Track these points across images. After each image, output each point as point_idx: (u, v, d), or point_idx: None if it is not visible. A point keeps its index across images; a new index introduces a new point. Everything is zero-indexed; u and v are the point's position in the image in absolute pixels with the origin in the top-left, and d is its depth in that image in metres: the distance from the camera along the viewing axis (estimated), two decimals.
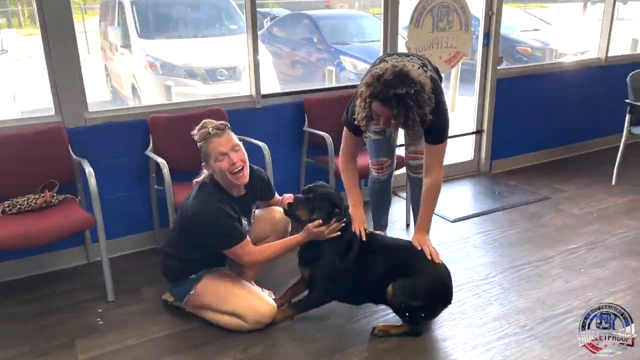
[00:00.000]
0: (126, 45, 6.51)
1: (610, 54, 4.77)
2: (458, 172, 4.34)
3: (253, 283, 2.57)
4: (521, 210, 3.67)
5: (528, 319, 2.47)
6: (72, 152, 2.82)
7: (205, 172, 2.37)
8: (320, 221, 2.32)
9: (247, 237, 2.34)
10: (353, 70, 6.80)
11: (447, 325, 2.43)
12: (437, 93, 2.33)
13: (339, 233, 2.35)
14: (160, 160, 2.77)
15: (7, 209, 2.62)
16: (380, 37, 3.79)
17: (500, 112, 4.30)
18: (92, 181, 2.56)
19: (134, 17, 6.39)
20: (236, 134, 3.13)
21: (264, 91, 3.34)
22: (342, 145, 2.66)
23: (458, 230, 3.39)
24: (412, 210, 2.95)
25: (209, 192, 2.31)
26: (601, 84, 4.75)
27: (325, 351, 2.28)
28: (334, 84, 6.05)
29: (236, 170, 2.26)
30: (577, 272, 2.86)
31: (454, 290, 2.40)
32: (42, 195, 2.69)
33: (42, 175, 2.74)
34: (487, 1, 4.04)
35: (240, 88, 5.59)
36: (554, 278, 2.81)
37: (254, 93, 3.32)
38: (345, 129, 2.61)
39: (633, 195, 3.87)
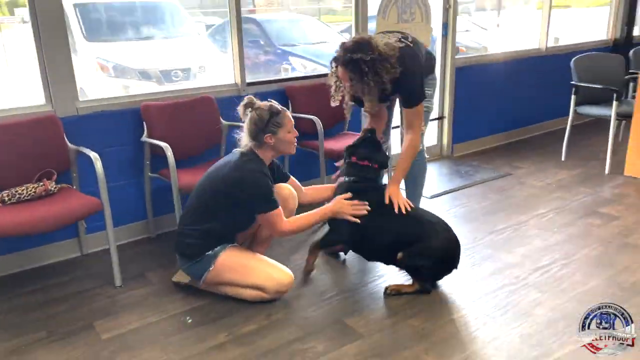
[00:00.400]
0: (72, 49, 6.35)
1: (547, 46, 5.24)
2: None
3: None
4: (488, 185, 3.96)
5: (520, 271, 2.72)
6: (67, 141, 2.79)
7: (244, 143, 2.46)
8: (350, 195, 2.51)
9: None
10: (303, 70, 6.98)
11: (449, 283, 2.62)
12: (408, 64, 2.54)
13: (357, 220, 2.48)
14: (162, 144, 2.81)
15: (6, 199, 2.57)
16: (351, 27, 3.98)
17: (460, 99, 4.61)
18: (99, 165, 2.57)
19: (78, 21, 6.26)
20: (225, 119, 3.24)
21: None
22: None
23: (437, 204, 3.63)
24: (406, 187, 3.10)
25: (254, 159, 2.44)
26: (543, 71, 5.19)
27: (345, 311, 2.41)
28: None
29: (296, 141, 2.54)
30: (552, 231, 3.16)
31: None
32: (42, 184, 2.66)
33: (38, 165, 2.71)
34: None
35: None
36: (533, 237, 3.08)
37: (239, 81, 3.42)
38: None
39: (581, 168, 4.27)
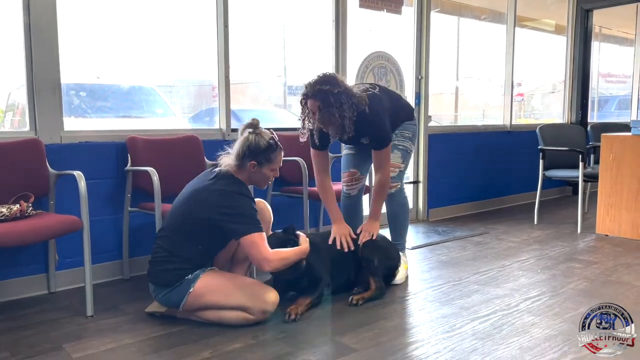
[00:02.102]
0: None
1: (504, 123, 5.57)
2: None
3: None
4: (467, 240, 3.99)
5: (510, 300, 2.67)
6: (49, 166, 2.73)
7: (226, 163, 2.40)
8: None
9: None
10: None
11: (443, 308, 2.55)
12: (372, 108, 2.73)
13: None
14: (148, 168, 2.76)
15: None
16: None
17: (433, 165, 4.76)
18: (82, 184, 2.49)
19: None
20: (209, 159, 3.25)
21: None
22: (313, 167, 2.95)
23: (419, 254, 3.60)
24: (389, 225, 3.12)
25: (236, 182, 2.37)
26: (508, 146, 5.46)
27: (337, 331, 2.30)
28: None
29: (267, 184, 2.56)
30: (535, 272, 3.16)
31: (439, 287, 2.81)
32: (18, 205, 2.54)
33: (16, 187, 2.61)
34: (417, 66, 4.64)
35: None
36: (518, 276, 3.07)
37: (224, 127, 3.48)
38: (311, 150, 2.93)
39: (553, 229, 4.36)
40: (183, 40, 3.88)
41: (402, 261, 3.02)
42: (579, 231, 4.22)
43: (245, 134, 2.41)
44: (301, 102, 2.70)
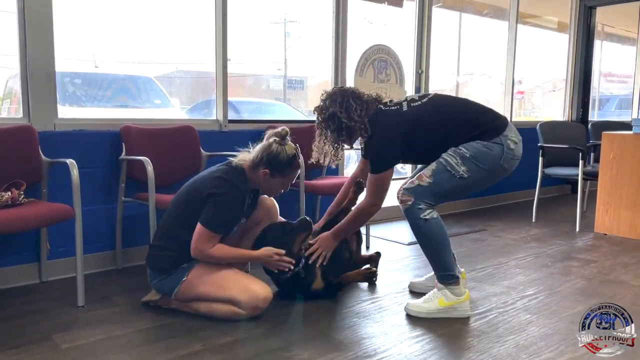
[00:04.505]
0: None
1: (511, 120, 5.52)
2: (396, 215, 4.58)
3: None
4: (464, 237, 3.96)
5: (507, 298, 2.64)
6: (42, 153, 2.69)
7: (242, 158, 2.37)
8: (284, 252, 2.40)
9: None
10: None
11: None
12: (378, 127, 2.40)
13: (286, 270, 2.43)
14: (143, 158, 2.72)
15: None
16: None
17: None
18: (75, 172, 2.45)
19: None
20: (205, 150, 3.22)
21: None
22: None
23: (415, 249, 3.57)
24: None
25: (242, 179, 2.33)
26: None
27: (331, 327, 2.27)
28: None
29: (276, 194, 2.54)
30: (533, 270, 3.13)
31: None
32: (9, 192, 2.50)
33: (8, 175, 2.57)
34: (417, 60, 4.60)
35: None
36: (515, 274, 3.04)
37: (220, 118, 3.43)
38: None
39: (552, 227, 4.33)
40: (183, 32, 3.83)
41: (438, 294, 2.42)
42: (577, 229, 4.19)
43: (270, 140, 2.35)
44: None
